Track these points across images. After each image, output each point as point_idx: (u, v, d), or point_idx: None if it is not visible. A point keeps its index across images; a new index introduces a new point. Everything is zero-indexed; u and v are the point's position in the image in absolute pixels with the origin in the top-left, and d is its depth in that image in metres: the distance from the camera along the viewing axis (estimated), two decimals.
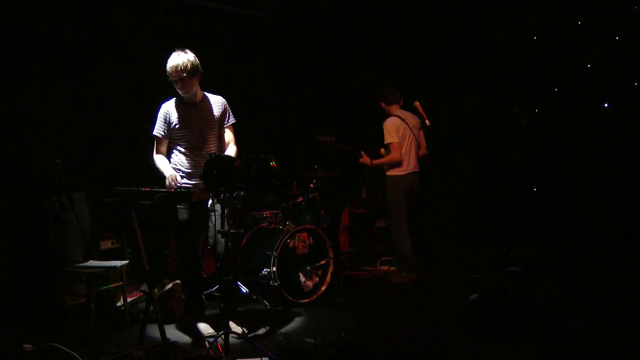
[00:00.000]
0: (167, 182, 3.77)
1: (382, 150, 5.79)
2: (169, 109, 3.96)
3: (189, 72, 3.76)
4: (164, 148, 3.99)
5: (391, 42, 7.02)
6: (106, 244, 4.86)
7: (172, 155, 3.99)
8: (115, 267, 4.29)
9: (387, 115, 5.68)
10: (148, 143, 4.00)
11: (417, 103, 5.08)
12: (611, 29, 6.01)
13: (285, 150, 6.15)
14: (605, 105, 6.17)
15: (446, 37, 6.86)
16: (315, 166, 5.69)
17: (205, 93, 4.03)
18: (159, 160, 3.94)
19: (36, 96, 4.77)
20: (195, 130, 3.92)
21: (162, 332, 3.51)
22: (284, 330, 4.04)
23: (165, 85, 5.25)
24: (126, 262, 4.43)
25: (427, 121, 4.94)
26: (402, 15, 6.69)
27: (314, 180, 5.62)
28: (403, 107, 5.66)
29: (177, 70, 3.75)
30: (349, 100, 6.99)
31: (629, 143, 5.94)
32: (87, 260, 4.48)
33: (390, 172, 5.55)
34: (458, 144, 6.87)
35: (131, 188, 3.58)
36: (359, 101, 6.91)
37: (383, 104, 5.66)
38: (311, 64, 6.92)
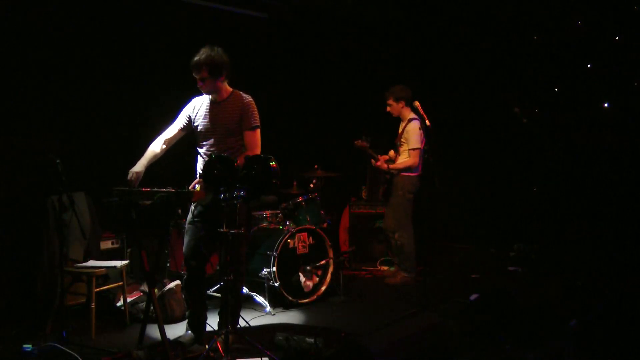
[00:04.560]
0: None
1: (392, 151, 5.78)
2: (196, 104, 3.88)
3: (203, 70, 3.64)
4: (168, 135, 3.87)
5: (391, 42, 7.03)
6: (106, 244, 4.86)
7: (198, 158, 3.90)
8: (115, 267, 4.29)
9: (399, 116, 5.68)
10: (149, 143, 3.98)
11: (417, 103, 5.07)
12: (611, 29, 6.02)
13: (285, 150, 6.15)
14: (605, 105, 6.17)
15: (446, 36, 6.86)
16: (315, 166, 5.69)
17: (237, 92, 3.83)
18: (151, 145, 3.82)
19: (36, 96, 4.77)
20: (214, 132, 3.77)
21: (162, 332, 3.51)
22: (284, 330, 4.04)
23: (164, 85, 5.27)
24: (126, 262, 4.44)
25: (427, 121, 4.94)
26: (402, 15, 6.69)
27: (314, 180, 5.63)
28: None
29: (191, 66, 3.68)
30: (349, 100, 6.99)
31: (629, 143, 5.95)
32: (87, 260, 4.49)
33: (405, 173, 5.55)
34: (458, 144, 6.87)
35: (131, 188, 3.58)
36: (358, 101, 6.91)
37: (402, 104, 5.61)
38: (311, 63, 6.92)
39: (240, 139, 3.77)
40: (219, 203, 3.34)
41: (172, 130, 3.90)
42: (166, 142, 3.88)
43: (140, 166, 3.70)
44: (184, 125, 3.89)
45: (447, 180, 5.23)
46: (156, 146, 3.84)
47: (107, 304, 4.56)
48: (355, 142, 5.67)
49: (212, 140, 3.79)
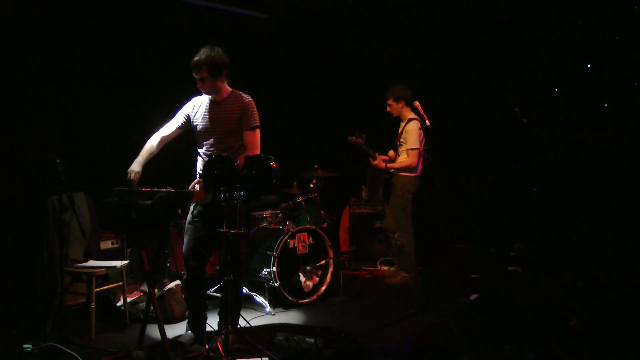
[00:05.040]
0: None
1: (391, 151, 5.78)
2: (195, 103, 3.89)
3: (203, 70, 3.64)
4: (165, 132, 3.86)
5: (391, 42, 7.02)
6: (106, 244, 4.86)
7: (198, 158, 3.90)
8: (115, 267, 4.30)
9: (399, 116, 5.67)
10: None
11: (417, 103, 5.07)
12: (611, 29, 6.01)
13: (285, 150, 6.15)
14: (605, 105, 6.17)
15: (446, 36, 6.86)
16: (315, 166, 5.69)
17: (237, 92, 3.85)
18: (148, 142, 3.81)
19: (36, 96, 4.77)
20: (213, 132, 3.78)
21: (162, 332, 3.51)
22: (284, 330, 4.04)
23: (164, 85, 5.27)
24: (126, 262, 4.44)
25: (427, 121, 4.93)
26: (402, 15, 6.68)
27: (314, 180, 5.63)
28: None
29: (191, 66, 3.68)
30: (349, 100, 6.99)
31: (629, 143, 5.94)
32: (87, 260, 4.49)
33: (404, 173, 5.55)
34: (458, 144, 6.86)
35: (131, 188, 3.58)
36: (359, 101, 6.91)
37: (402, 104, 5.60)
38: (311, 63, 6.92)
39: (240, 139, 3.78)
40: (219, 203, 3.34)
41: (169, 128, 3.90)
42: (163, 139, 3.87)
43: (139, 165, 3.70)
44: (181, 124, 3.89)
45: (447, 180, 5.22)
46: (152, 143, 3.83)
47: (107, 304, 4.56)
48: (349, 138, 5.57)
49: (211, 140, 3.79)
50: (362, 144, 5.57)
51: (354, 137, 5.56)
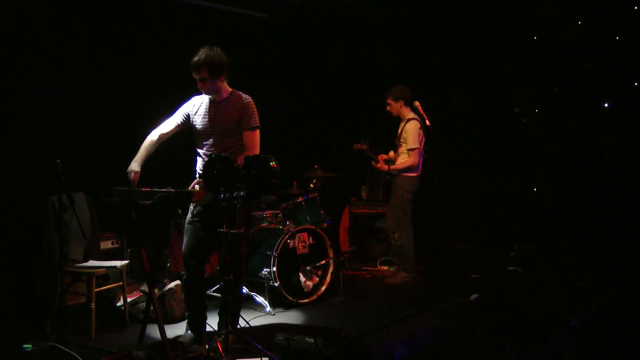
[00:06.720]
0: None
1: (392, 152, 5.79)
2: (195, 102, 3.89)
3: (203, 70, 3.64)
4: (163, 130, 3.85)
5: (391, 42, 7.02)
6: (106, 244, 4.86)
7: (197, 158, 3.89)
8: (115, 267, 4.30)
9: (399, 115, 5.68)
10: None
11: (417, 103, 5.07)
12: (611, 29, 6.01)
13: (285, 150, 6.15)
14: (605, 105, 6.17)
15: (446, 36, 6.86)
16: (315, 166, 5.69)
17: (237, 92, 3.84)
18: (147, 139, 3.80)
19: (36, 96, 4.77)
20: (213, 132, 3.78)
21: (162, 332, 3.51)
22: (284, 330, 4.04)
23: (164, 85, 5.27)
24: (126, 262, 4.44)
25: (427, 121, 4.93)
26: (402, 15, 6.69)
27: (314, 180, 5.62)
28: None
29: (191, 66, 3.68)
30: (349, 100, 6.99)
31: (629, 143, 5.94)
32: (87, 260, 4.49)
33: (406, 173, 5.56)
34: (458, 144, 6.87)
35: (131, 188, 3.58)
36: (359, 101, 6.91)
37: (401, 103, 5.62)
38: (311, 63, 6.92)
39: (240, 139, 3.77)
40: (219, 203, 3.33)
41: (167, 126, 3.89)
42: (161, 136, 3.86)
43: (138, 165, 3.71)
44: (180, 122, 3.89)
45: (447, 180, 5.22)
46: (151, 140, 3.83)
47: (107, 304, 4.56)
48: (355, 146, 5.72)
49: (211, 140, 3.79)
50: (366, 149, 5.68)
51: (359, 145, 5.69)
